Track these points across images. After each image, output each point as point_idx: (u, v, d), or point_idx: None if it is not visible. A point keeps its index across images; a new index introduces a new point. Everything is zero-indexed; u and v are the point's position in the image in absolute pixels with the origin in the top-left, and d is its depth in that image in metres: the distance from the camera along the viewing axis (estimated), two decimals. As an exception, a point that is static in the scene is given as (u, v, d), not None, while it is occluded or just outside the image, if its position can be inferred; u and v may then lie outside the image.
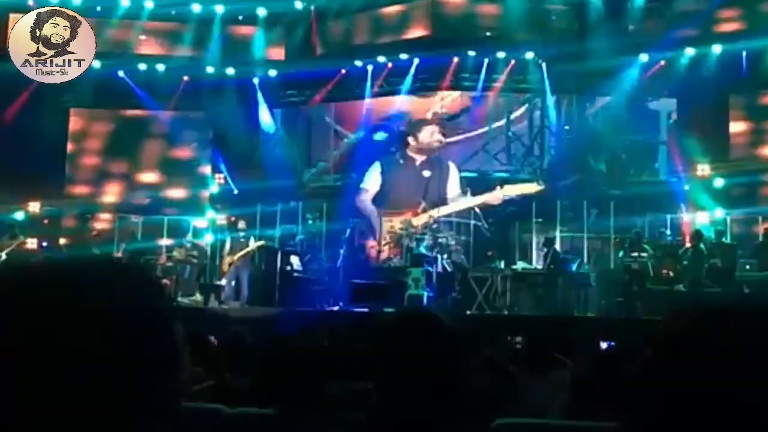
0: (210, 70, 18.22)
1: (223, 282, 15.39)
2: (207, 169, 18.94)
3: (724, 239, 14.15)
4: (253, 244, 15.20)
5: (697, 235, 13.64)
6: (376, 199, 16.86)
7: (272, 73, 18.47)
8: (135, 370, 0.83)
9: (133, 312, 0.86)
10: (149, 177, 18.98)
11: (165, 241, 16.91)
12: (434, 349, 1.70)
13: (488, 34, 17.43)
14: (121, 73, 17.90)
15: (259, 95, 18.55)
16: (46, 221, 17.60)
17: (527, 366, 4.14)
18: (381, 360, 1.74)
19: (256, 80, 18.51)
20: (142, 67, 18.04)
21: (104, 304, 0.85)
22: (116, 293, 0.87)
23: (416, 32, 18.06)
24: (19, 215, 16.53)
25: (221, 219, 17.33)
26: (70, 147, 18.97)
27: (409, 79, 17.77)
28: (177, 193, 18.74)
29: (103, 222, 17.70)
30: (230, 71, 18.30)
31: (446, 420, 1.71)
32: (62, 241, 17.36)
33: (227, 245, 15.71)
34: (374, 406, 1.76)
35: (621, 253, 14.39)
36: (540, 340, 4.74)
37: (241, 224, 15.75)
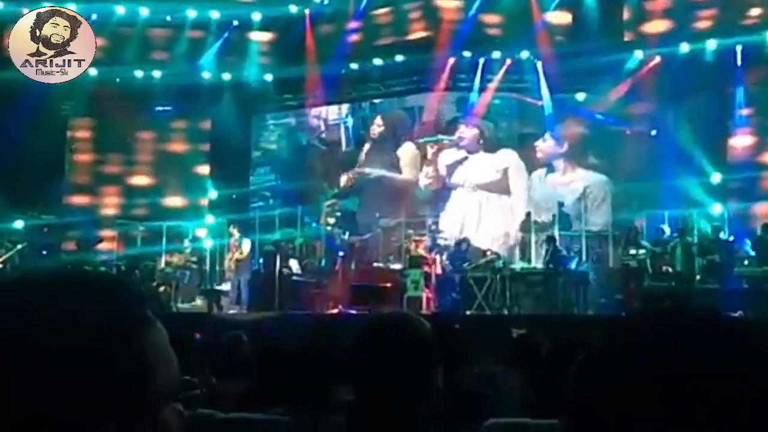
0: (206, 75, 18.26)
1: (225, 287, 15.51)
2: (202, 170, 18.96)
3: (721, 235, 14.15)
4: (245, 249, 15.29)
5: (681, 231, 13.76)
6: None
7: (268, 77, 18.51)
8: (92, 387, 0.82)
9: (91, 326, 0.84)
10: (145, 180, 19.01)
11: (164, 249, 16.91)
12: (408, 351, 1.72)
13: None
14: (117, 80, 17.93)
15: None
16: (45, 230, 17.62)
17: (519, 365, 4.17)
18: (358, 364, 1.77)
19: (252, 84, 18.57)
20: (139, 73, 18.07)
21: (62, 318, 0.83)
22: (77, 306, 0.85)
23: (411, 34, 18.09)
24: (18, 224, 16.55)
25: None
26: (68, 156, 19.01)
27: (405, 81, 17.85)
28: (175, 201, 18.76)
29: (104, 236, 17.75)
30: (226, 76, 18.34)
31: (426, 421, 1.74)
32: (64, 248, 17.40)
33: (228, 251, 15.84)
34: (353, 409, 1.78)
35: (619, 250, 14.41)
36: (533, 340, 4.77)
37: (234, 231, 15.76)
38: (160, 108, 18.48)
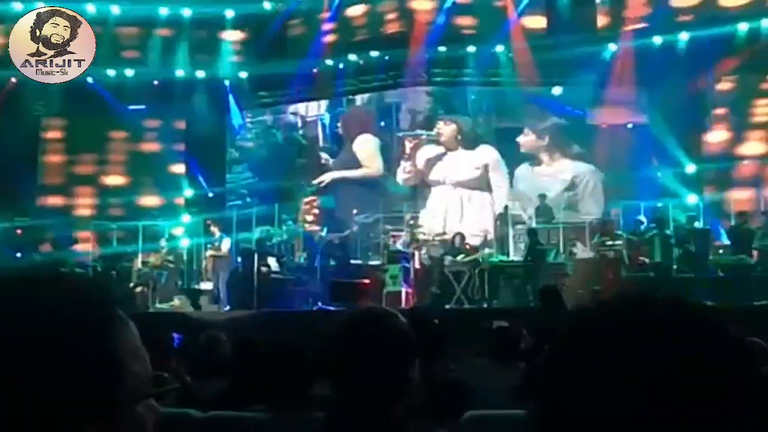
0: (180, 73, 18.12)
1: (205, 286, 15.46)
2: (177, 168, 18.81)
3: (696, 224, 14.28)
4: (224, 247, 15.32)
5: (659, 222, 13.88)
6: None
7: (243, 74, 18.41)
8: (65, 388, 0.82)
9: (62, 327, 0.84)
10: (120, 180, 18.84)
11: (140, 248, 16.77)
12: (385, 346, 1.70)
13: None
14: (90, 80, 17.72)
15: (231, 98, 18.54)
16: (19, 232, 17.40)
17: (499, 357, 4.18)
18: (334, 360, 1.75)
19: (226, 82, 18.46)
20: (111, 72, 17.89)
21: (33, 320, 0.83)
22: (47, 307, 0.85)
23: (387, 30, 18.07)
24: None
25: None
26: (41, 156, 18.80)
27: (381, 76, 17.83)
28: (151, 200, 18.60)
29: (79, 236, 17.57)
30: (200, 74, 18.22)
31: (405, 417, 1.72)
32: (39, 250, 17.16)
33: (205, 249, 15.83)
34: (331, 406, 1.76)
35: (595, 239, 14.49)
36: (511, 332, 4.79)
37: (215, 229, 15.71)
38: (134, 107, 18.30)
